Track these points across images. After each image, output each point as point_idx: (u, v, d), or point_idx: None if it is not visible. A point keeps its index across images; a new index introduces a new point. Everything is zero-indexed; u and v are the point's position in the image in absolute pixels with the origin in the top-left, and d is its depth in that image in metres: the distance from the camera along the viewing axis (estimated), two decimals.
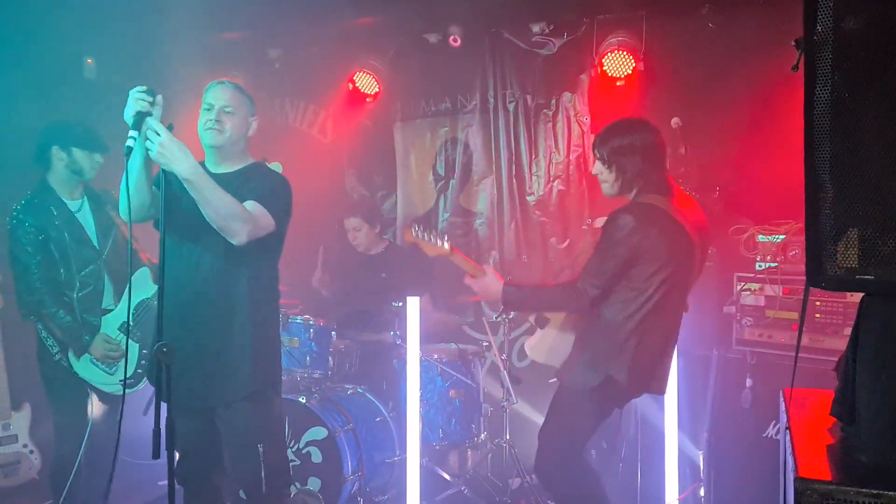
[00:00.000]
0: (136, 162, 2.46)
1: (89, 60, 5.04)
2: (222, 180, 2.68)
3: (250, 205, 2.60)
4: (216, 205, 2.48)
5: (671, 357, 3.05)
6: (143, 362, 3.50)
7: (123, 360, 3.39)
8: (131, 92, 2.40)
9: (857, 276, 1.40)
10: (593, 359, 2.86)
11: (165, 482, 2.29)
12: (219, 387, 2.67)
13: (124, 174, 2.49)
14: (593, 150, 2.95)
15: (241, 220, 2.52)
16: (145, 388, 3.46)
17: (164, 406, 2.25)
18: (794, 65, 1.51)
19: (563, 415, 2.97)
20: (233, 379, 2.67)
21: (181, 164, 2.38)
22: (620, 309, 2.81)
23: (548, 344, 3.18)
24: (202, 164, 2.78)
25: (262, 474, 2.67)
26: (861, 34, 1.38)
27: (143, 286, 3.52)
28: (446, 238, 3.16)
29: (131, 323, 3.45)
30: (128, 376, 3.43)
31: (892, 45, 1.35)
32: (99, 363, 3.37)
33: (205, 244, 2.65)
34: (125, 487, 4.02)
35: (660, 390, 3.00)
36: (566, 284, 2.88)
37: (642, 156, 2.82)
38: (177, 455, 2.76)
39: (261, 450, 2.67)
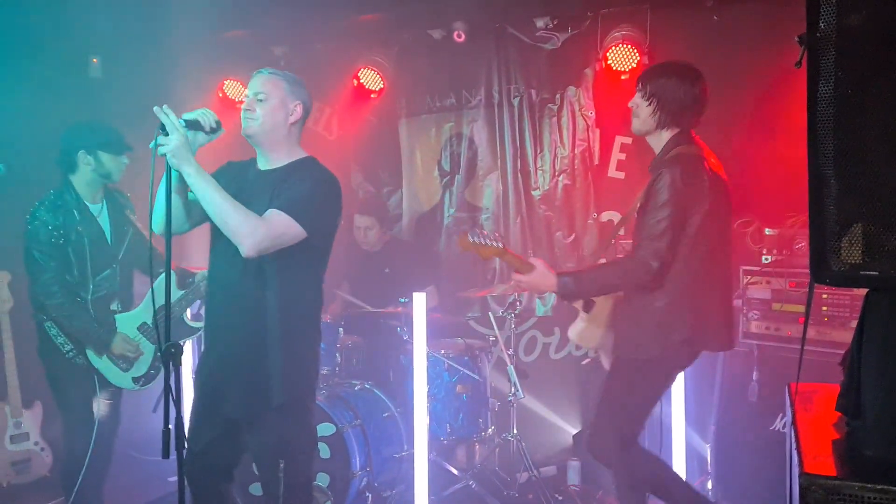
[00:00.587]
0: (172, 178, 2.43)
1: (95, 59, 5.05)
2: (264, 178, 2.65)
3: (270, 213, 2.47)
4: (217, 212, 2.42)
5: (733, 309, 3.00)
6: (156, 364, 3.52)
7: (140, 358, 3.45)
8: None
9: (862, 272, 1.40)
10: (659, 324, 2.76)
11: (174, 479, 2.31)
12: (245, 399, 2.61)
13: (160, 186, 2.47)
14: (636, 84, 2.89)
15: (245, 229, 2.41)
16: (156, 386, 3.49)
17: (172, 405, 2.26)
18: (798, 61, 1.51)
19: (628, 389, 2.86)
20: (259, 392, 2.59)
21: (189, 166, 2.38)
22: (680, 268, 2.72)
23: (600, 327, 3.07)
24: (253, 160, 2.73)
25: (280, 491, 2.59)
26: (864, 30, 1.38)
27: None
28: (498, 237, 3.01)
29: (150, 325, 3.46)
30: (141, 375, 3.47)
31: (892, 42, 1.34)
32: (116, 360, 3.40)
33: (236, 251, 2.49)
34: (135, 483, 4.07)
35: (730, 344, 2.92)
36: (625, 260, 2.79)
37: (682, 100, 2.79)
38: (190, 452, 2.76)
39: (281, 466, 2.59)
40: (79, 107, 4.31)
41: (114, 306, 3.47)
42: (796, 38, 1.51)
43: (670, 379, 2.96)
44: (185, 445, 2.25)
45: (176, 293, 3.50)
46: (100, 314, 3.38)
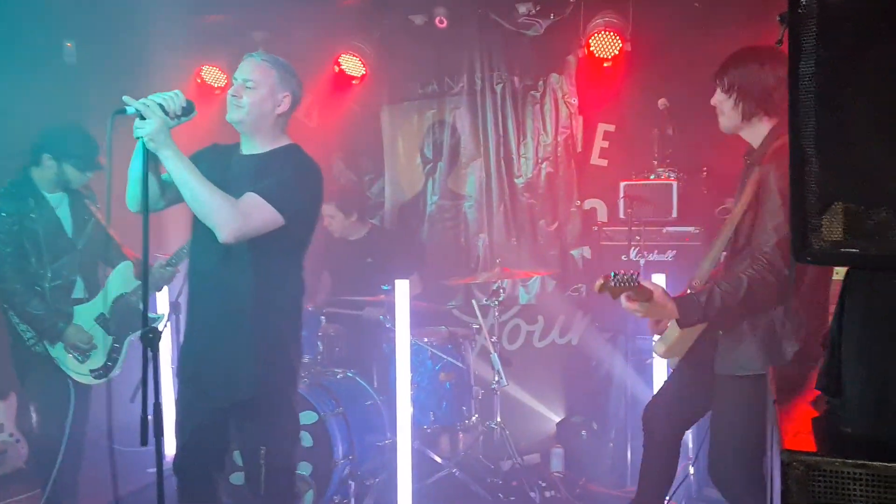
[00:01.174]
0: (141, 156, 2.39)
1: (69, 44, 4.97)
2: (247, 162, 2.62)
3: (247, 198, 2.44)
4: (194, 196, 2.40)
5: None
6: (113, 356, 3.48)
7: (95, 350, 3.41)
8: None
9: (842, 250, 1.40)
10: (761, 333, 2.51)
11: (154, 469, 2.28)
12: (227, 387, 2.58)
13: (133, 163, 2.44)
14: (714, 81, 2.73)
15: (222, 216, 2.39)
16: (133, 375, 3.45)
17: (150, 392, 2.23)
18: (779, 39, 1.50)
19: (732, 405, 2.59)
20: (240, 381, 2.57)
21: (168, 149, 2.35)
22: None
23: (692, 337, 2.73)
24: (237, 144, 2.69)
25: (262, 476, 2.58)
26: (845, 7, 1.38)
27: (124, 280, 3.49)
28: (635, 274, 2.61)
29: (107, 316, 3.43)
30: (98, 367, 3.43)
31: (876, 18, 1.34)
32: (71, 351, 3.36)
33: (212, 236, 2.46)
34: (122, 474, 4.02)
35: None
36: (751, 272, 2.40)
37: (764, 84, 2.58)
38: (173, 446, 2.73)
39: (262, 452, 2.57)
40: (52, 92, 4.24)
41: (80, 294, 3.44)
42: (778, 17, 1.50)
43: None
44: (163, 433, 2.23)
45: (132, 283, 3.48)
46: (58, 303, 3.34)
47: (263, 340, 2.59)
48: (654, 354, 2.79)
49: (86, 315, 3.40)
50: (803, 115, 1.43)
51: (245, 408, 2.60)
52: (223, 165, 2.62)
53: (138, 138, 2.33)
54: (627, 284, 2.44)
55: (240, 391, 2.57)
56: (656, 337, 2.88)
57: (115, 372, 3.48)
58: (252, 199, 2.45)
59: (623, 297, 2.52)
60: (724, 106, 2.69)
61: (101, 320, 3.42)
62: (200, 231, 2.55)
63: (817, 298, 2.53)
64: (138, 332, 3.32)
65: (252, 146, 2.66)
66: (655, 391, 3.49)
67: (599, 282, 2.47)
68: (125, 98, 2.34)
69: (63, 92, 4.34)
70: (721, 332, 2.60)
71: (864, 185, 1.38)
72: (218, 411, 2.65)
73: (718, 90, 2.70)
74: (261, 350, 2.58)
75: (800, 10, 1.41)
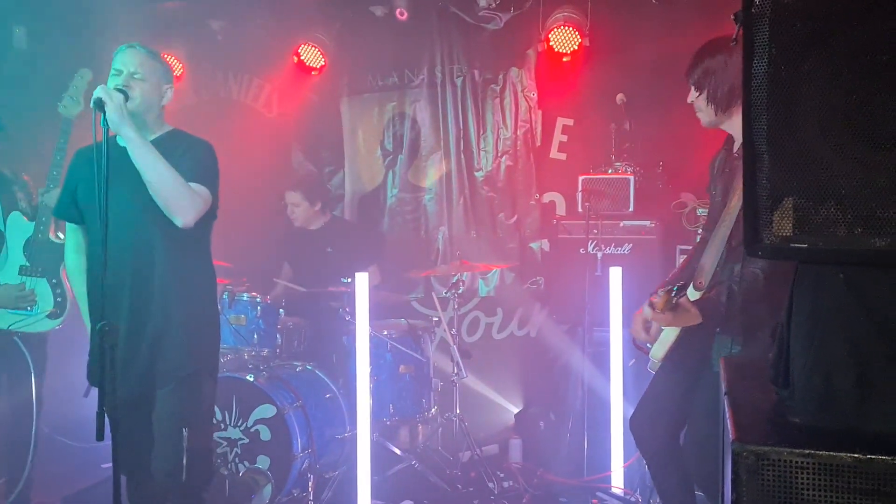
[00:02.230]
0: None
1: (18, 29, 4.82)
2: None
3: (193, 186, 2.49)
4: (159, 180, 2.39)
5: None
6: (58, 291, 3.47)
7: (38, 296, 3.43)
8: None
9: (792, 245, 1.43)
10: (755, 326, 2.49)
11: (108, 465, 2.24)
12: (148, 372, 2.53)
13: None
14: (687, 79, 2.73)
15: (188, 200, 2.43)
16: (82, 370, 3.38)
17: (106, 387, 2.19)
18: (733, 38, 1.53)
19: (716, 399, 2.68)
20: (163, 363, 2.53)
21: (128, 129, 2.34)
22: None
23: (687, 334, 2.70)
24: (111, 139, 2.55)
25: (184, 461, 2.50)
26: (797, 7, 1.41)
27: (20, 227, 3.49)
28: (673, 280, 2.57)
29: (27, 264, 3.44)
30: (51, 308, 3.45)
31: (827, 18, 1.38)
32: (16, 310, 3.37)
33: (124, 222, 2.45)
34: (69, 471, 3.94)
35: None
36: (759, 261, 2.37)
37: (735, 74, 2.49)
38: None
39: (185, 434, 2.50)
40: (1, 78, 4.11)
41: None
42: (732, 16, 1.53)
43: None
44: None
45: (30, 224, 3.47)
46: None
47: (187, 318, 2.59)
48: (652, 360, 2.68)
49: (7, 272, 3.41)
50: (755, 113, 1.46)
51: (164, 393, 2.55)
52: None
53: (102, 112, 2.29)
54: (679, 294, 2.42)
55: (163, 374, 2.55)
56: (654, 344, 2.73)
57: (68, 308, 3.48)
58: (198, 187, 2.51)
59: (652, 312, 2.50)
60: (699, 102, 2.69)
61: (24, 270, 3.43)
62: (94, 225, 2.52)
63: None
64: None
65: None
66: (612, 380, 3.56)
67: (662, 299, 2.43)
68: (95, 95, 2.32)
69: (12, 77, 4.21)
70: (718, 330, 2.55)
71: (813, 181, 1.42)
72: (141, 402, 2.56)
73: (692, 88, 2.70)
74: (186, 328, 2.58)
75: (753, 10, 1.44)
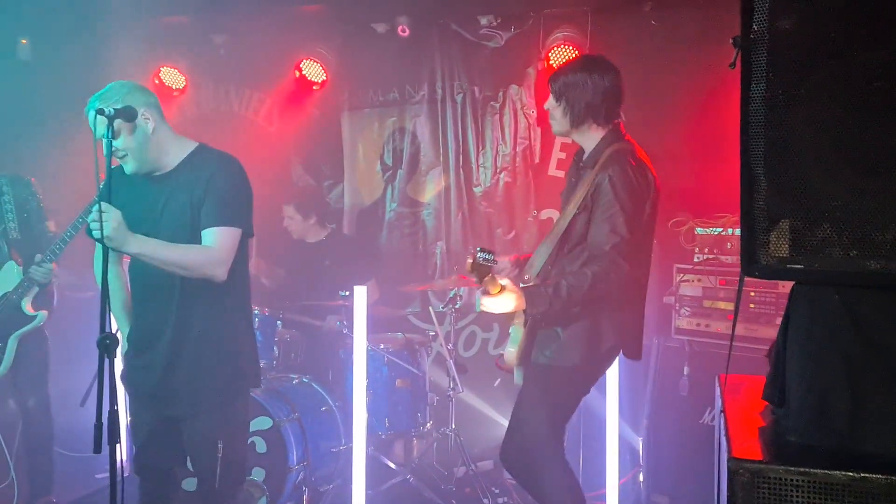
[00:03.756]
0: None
1: (24, 41, 4.85)
2: (165, 185, 2.57)
3: (215, 234, 2.47)
4: (174, 267, 2.44)
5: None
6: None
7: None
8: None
9: (788, 266, 1.46)
10: (585, 328, 2.67)
11: (103, 475, 2.25)
12: (188, 396, 2.59)
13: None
14: (549, 86, 2.81)
15: (209, 265, 2.46)
16: (84, 380, 3.38)
17: (105, 398, 2.19)
18: (732, 62, 1.56)
19: (548, 396, 2.73)
20: (201, 389, 2.59)
21: (130, 246, 2.35)
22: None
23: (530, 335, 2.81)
24: (137, 174, 2.57)
25: (218, 470, 2.59)
26: (794, 34, 1.44)
27: (8, 279, 3.51)
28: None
29: None
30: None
31: (822, 45, 1.41)
32: None
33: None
34: (63, 479, 3.92)
35: (639, 353, 2.82)
36: (596, 267, 2.55)
37: (594, 92, 2.69)
38: (134, 446, 2.73)
39: (220, 446, 2.59)
40: (5, 88, 4.14)
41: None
42: (731, 41, 1.57)
43: (590, 386, 2.88)
44: (119, 440, 2.19)
45: (15, 280, 3.50)
46: None
47: (222, 347, 2.62)
48: (510, 364, 2.79)
49: None
50: (753, 135, 1.49)
51: (205, 412, 2.61)
52: (136, 190, 2.57)
53: (96, 238, 2.28)
54: (490, 262, 2.57)
55: (196, 403, 2.60)
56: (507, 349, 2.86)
57: (1, 371, 3.51)
58: (213, 234, 2.49)
59: (481, 293, 2.64)
60: (555, 112, 2.79)
61: None
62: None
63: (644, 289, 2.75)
64: (22, 331, 3.51)
65: (158, 170, 2.59)
66: (608, 398, 3.56)
67: (469, 261, 2.59)
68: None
69: (17, 88, 4.24)
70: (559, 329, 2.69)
71: (808, 203, 1.45)
72: (171, 419, 2.66)
73: (551, 96, 2.79)
74: (220, 357, 2.61)
75: (752, 35, 1.48)
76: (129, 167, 2.54)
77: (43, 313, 3.59)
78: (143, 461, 2.71)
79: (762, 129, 1.47)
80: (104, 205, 2.27)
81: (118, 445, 2.15)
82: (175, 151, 2.59)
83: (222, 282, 2.54)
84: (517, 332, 2.77)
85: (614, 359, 2.87)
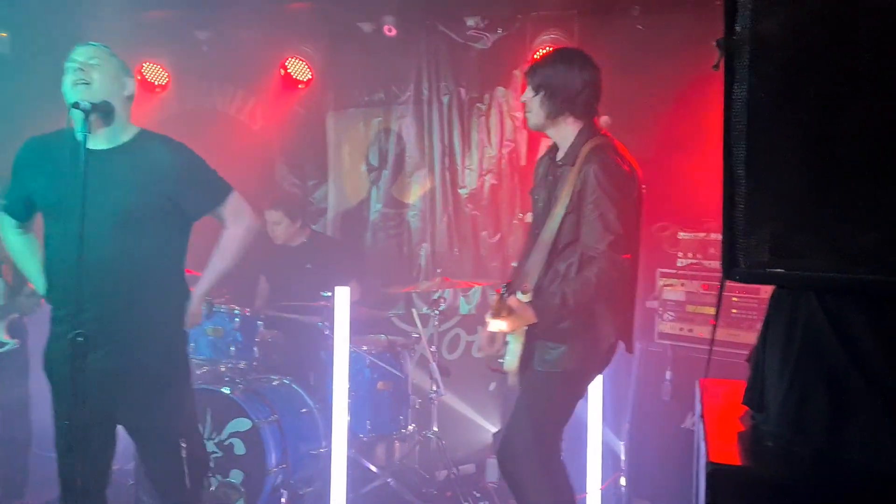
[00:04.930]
0: None
1: (3, 34, 4.79)
2: (109, 158, 2.47)
3: (226, 208, 2.68)
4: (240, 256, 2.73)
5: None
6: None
7: None
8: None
9: (768, 270, 1.45)
10: (586, 331, 2.65)
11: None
12: (123, 385, 2.47)
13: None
14: (525, 79, 2.78)
15: (250, 230, 2.72)
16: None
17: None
18: (715, 63, 1.55)
19: (550, 401, 2.73)
20: (145, 380, 2.49)
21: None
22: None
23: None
24: (68, 134, 2.46)
25: (186, 469, 2.55)
26: (778, 36, 1.43)
27: None
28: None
29: None
30: None
31: (805, 47, 1.40)
32: None
33: (92, 231, 2.31)
34: (35, 481, 3.86)
35: (631, 347, 2.83)
36: (593, 266, 2.54)
37: (572, 84, 2.66)
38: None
39: (183, 445, 2.54)
40: None
41: None
42: (714, 42, 1.55)
43: (586, 389, 2.89)
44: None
45: None
46: None
47: (164, 335, 2.57)
48: (510, 376, 2.73)
49: None
50: (735, 138, 1.48)
51: (151, 406, 2.52)
52: (64, 160, 2.41)
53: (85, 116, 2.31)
54: (508, 291, 2.58)
55: (147, 391, 2.50)
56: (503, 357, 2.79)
57: None
58: (232, 200, 2.68)
59: (490, 317, 2.61)
60: (532, 104, 2.74)
61: None
62: (57, 223, 2.47)
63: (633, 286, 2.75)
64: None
65: (102, 139, 2.51)
66: (590, 403, 3.55)
67: (495, 302, 2.59)
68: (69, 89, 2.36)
69: None
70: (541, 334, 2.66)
71: (790, 208, 1.43)
72: (105, 418, 2.51)
73: (528, 88, 2.74)
74: (164, 345, 2.56)
75: (734, 38, 1.46)
76: (78, 93, 2.41)
77: (15, 342, 3.45)
78: (92, 473, 2.48)
79: (744, 133, 1.45)
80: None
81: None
82: (124, 126, 2.58)
83: (161, 273, 2.57)
84: (516, 342, 2.70)
85: (613, 355, 2.83)
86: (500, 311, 2.58)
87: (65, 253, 2.31)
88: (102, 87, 2.45)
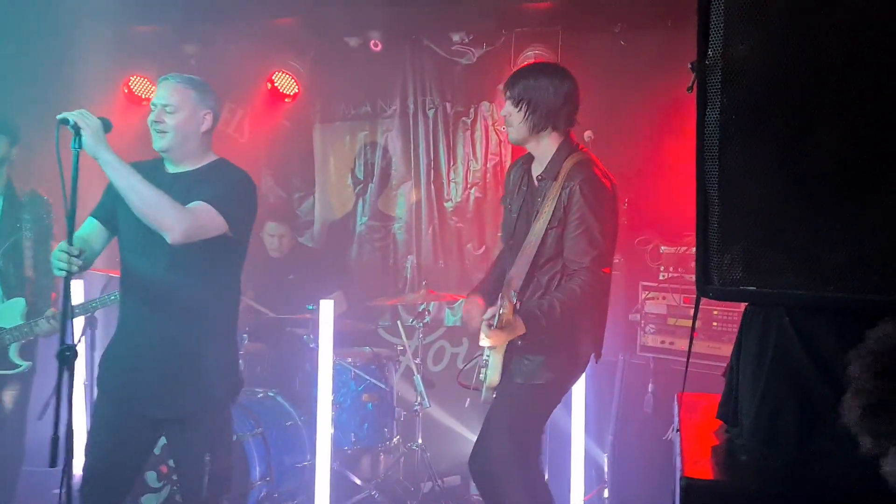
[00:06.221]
0: None
1: None
2: (177, 180, 2.60)
3: (195, 204, 2.48)
4: (141, 199, 2.39)
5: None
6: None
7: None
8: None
9: (741, 287, 1.49)
10: (564, 342, 2.68)
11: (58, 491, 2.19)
12: (176, 397, 2.57)
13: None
14: (504, 93, 2.76)
15: (172, 216, 2.40)
16: (42, 392, 3.31)
17: (63, 411, 2.16)
18: (689, 86, 1.59)
19: (526, 412, 2.75)
20: (193, 390, 2.57)
21: (103, 152, 2.34)
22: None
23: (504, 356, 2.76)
24: (160, 161, 2.66)
25: (205, 482, 2.58)
26: (748, 60, 1.47)
27: (10, 315, 3.29)
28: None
29: None
30: None
31: (773, 71, 1.44)
32: None
33: (159, 247, 2.48)
34: (20, 495, 3.83)
35: (599, 356, 2.84)
36: (577, 280, 2.58)
37: (555, 97, 2.67)
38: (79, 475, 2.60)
39: (207, 459, 2.58)
40: None
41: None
42: (689, 66, 1.60)
43: (561, 398, 2.90)
44: (73, 455, 2.15)
45: (14, 321, 3.29)
46: None
47: (218, 349, 2.63)
48: (490, 390, 2.72)
49: None
50: (708, 159, 1.52)
51: (196, 417, 2.60)
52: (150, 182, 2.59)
53: (75, 149, 2.28)
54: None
55: (195, 401, 2.58)
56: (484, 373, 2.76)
57: None
58: (199, 204, 2.49)
59: (486, 327, 2.61)
60: (513, 118, 2.73)
61: None
62: (137, 240, 2.55)
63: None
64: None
65: (180, 166, 2.66)
66: (573, 415, 3.58)
67: (509, 308, 2.57)
68: (60, 115, 2.34)
69: None
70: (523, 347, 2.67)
71: (761, 227, 1.48)
72: (148, 422, 2.61)
73: (508, 102, 2.73)
74: (218, 359, 2.61)
75: (707, 61, 1.51)
76: (154, 143, 2.59)
77: (27, 365, 3.37)
78: (94, 482, 2.59)
79: (716, 154, 1.50)
80: (84, 112, 2.34)
81: (72, 460, 2.12)
82: (198, 157, 2.67)
83: (218, 287, 2.62)
84: (496, 356, 2.69)
85: (587, 365, 2.87)
86: (504, 321, 2.57)
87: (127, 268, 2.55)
88: (178, 132, 2.57)
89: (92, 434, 2.64)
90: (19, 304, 3.30)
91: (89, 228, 2.64)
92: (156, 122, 2.55)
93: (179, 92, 2.59)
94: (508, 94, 2.73)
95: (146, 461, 2.76)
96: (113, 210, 2.62)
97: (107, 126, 2.42)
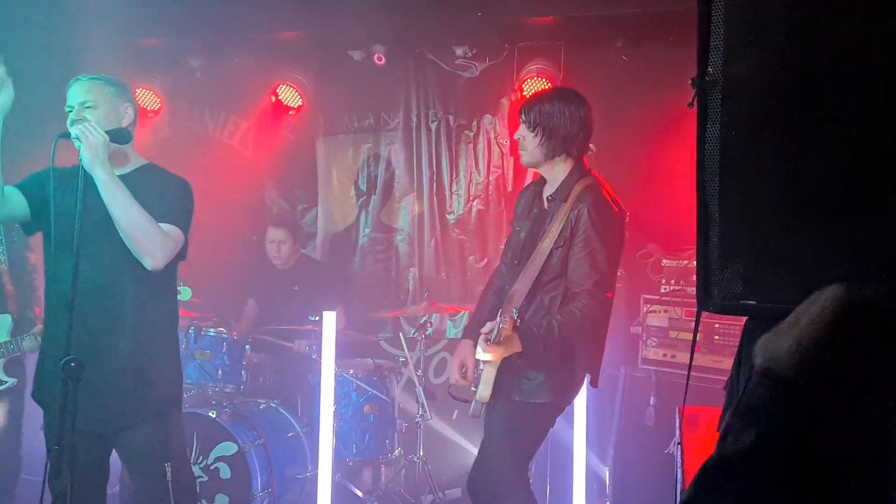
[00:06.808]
0: None
1: None
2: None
3: (166, 227, 2.45)
4: (129, 221, 2.36)
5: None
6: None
7: None
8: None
9: (741, 301, 1.49)
10: (562, 364, 2.68)
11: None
12: (120, 408, 2.49)
13: None
14: (519, 116, 2.75)
15: (158, 243, 2.39)
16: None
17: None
18: (690, 102, 1.61)
19: (522, 432, 2.75)
20: (135, 399, 2.50)
21: (99, 170, 2.32)
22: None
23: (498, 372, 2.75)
24: (79, 167, 2.48)
25: (171, 495, 2.52)
26: (748, 77, 1.49)
27: None
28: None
29: None
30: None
31: (773, 89, 1.46)
32: None
33: (91, 254, 2.37)
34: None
35: (596, 382, 2.85)
36: (580, 304, 2.59)
37: (571, 124, 2.67)
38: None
39: (168, 469, 2.52)
40: None
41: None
42: (690, 81, 1.62)
43: (556, 417, 2.87)
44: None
45: (1, 336, 3.26)
46: None
47: (158, 357, 2.57)
48: (479, 404, 2.71)
49: None
50: (708, 174, 1.53)
51: (140, 428, 2.52)
52: (73, 188, 2.42)
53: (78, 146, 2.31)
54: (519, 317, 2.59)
55: (136, 412, 2.51)
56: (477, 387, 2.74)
57: None
58: (170, 228, 2.47)
59: (484, 341, 2.61)
60: (528, 142, 2.73)
61: None
62: (72, 246, 2.35)
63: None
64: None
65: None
66: (575, 428, 3.58)
67: (509, 323, 2.58)
68: (69, 128, 2.36)
69: None
70: (526, 363, 2.65)
71: (761, 242, 1.49)
72: (94, 438, 2.49)
73: (523, 125, 2.73)
74: (157, 367, 2.55)
75: (707, 78, 1.53)
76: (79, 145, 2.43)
77: (13, 381, 3.36)
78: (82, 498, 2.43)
79: (717, 169, 1.51)
80: (88, 126, 2.33)
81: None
82: (125, 159, 2.59)
83: (159, 302, 2.54)
84: (489, 372, 2.69)
85: (581, 387, 2.89)
86: (502, 336, 2.58)
87: (61, 272, 2.35)
88: (100, 127, 2.44)
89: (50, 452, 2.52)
90: (5, 320, 3.28)
91: (16, 193, 2.51)
92: (77, 121, 2.43)
93: (95, 88, 2.51)
94: (524, 117, 2.73)
95: (107, 471, 2.64)
96: (42, 201, 2.47)
97: (121, 137, 2.42)
